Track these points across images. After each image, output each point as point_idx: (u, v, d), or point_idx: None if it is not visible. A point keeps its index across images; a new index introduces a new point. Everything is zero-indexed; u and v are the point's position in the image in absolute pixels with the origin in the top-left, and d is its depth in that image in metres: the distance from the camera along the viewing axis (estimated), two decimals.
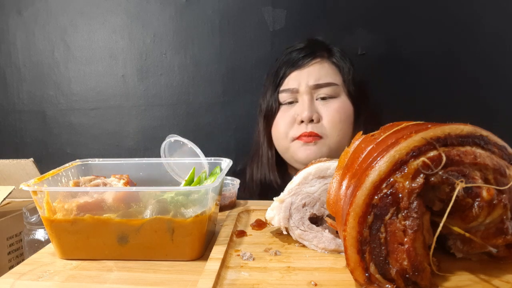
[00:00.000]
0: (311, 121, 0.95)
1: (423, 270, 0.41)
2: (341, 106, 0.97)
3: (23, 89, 1.41)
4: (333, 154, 0.95)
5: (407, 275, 0.41)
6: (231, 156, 0.72)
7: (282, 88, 1.00)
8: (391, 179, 0.41)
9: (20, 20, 1.38)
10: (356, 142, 0.52)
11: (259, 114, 1.07)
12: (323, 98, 0.97)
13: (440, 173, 0.41)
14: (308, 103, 0.96)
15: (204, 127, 1.34)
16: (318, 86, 0.96)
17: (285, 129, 0.99)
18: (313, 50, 1.01)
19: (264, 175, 1.05)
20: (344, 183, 0.47)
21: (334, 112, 0.96)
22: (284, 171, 1.06)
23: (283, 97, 1.00)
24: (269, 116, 1.02)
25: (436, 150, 0.41)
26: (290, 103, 0.99)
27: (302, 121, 0.95)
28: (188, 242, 0.55)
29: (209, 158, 0.71)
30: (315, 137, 0.94)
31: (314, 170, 0.58)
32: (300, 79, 0.98)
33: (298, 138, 0.96)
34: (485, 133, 0.44)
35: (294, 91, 0.98)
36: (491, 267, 0.47)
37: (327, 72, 0.99)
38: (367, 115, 1.01)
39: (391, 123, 0.52)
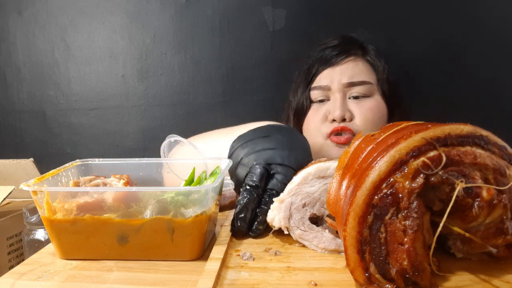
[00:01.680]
0: (343, 120, 0.93)
1: (423, 270, 0.41)
2: (375, 106, 0.96)
3: (23, 89, 1.41)
4: None
5: (407, 275, 0.41)
6: None
7: (313, 85, 0.98)
8: (391, 179, 0.41)
9: (20, 20, 1.38)
10: (356, 142, 0.52)
11: (289, 111, 1.05)
12: (355, 97, 0.95)
13: (440, 173, 0.41)
14: (341, 102, 0.94)
15: (204, 127, 1.34)
16: (351, 84, 0.95)
17: (317, 127, 0.97)
18: (347, 48, 0.99)
19: None
20: (344, 183, 0.47)
21: (368, 111, 0.94)
22: None
23: (314, 94, 0.98)
24: (300, 114, 1.01)
25: (436, 150, 0.41)
26: (322, 101, 0.98)
27: (333, 120, 0.94)
28: (188, 242, 0.55)
29: (209, 158, 0.71)
30: (348, 135, 0.92)
31: (314, 170, 0.58)
32: (332, 77, 0.96)
33: (330, 134, 0.94)
34: (485, 133, 0.44)
35: (326, 89, 0.96)
36: (491, 267, 0.47)
37: (361, 70, 0.97)
38: (400, 115, 0.99)
39: (391, 123, 0.52)
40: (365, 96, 0.96)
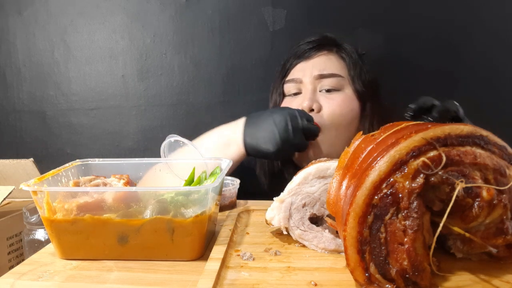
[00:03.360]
0: (311, 110, 0.94)
1: (423, 270, 0.41)
2: (344, 100, 0.96)
3: (23, 89, 1.41)
4: (331, 150, 0.95)
5: (407, 275, 0.41)
6: None
7: (287, 78, 1.00)
8: (391, 179, 0.41)
9: (20, 20, 1.38)
10: (356, 142, 0.52)
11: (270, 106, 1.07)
12: (327, 91, 0.96)
13: (440, 173, 0.41)
14: (310, 93, 0.95)
15: (204, 127, 1.34)
16: (321, 76, 0.96)
17: None
18: (321, 44, 1.00)
19: (272, 166, 1.04)
20: (344, 183, 0.47)
21: (336, 105, 0.95)
22: (293, 163, 1.05)
23: (288, 87, 1.00)
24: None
25: (436, 150, 0.41)
26: (295, 94, 0.99)
27: None
28: (188, 242, 0.55)
29: (209, 158, 0.71)
30: None
31: (314, 170, 0.58)
32: (305, 70, 0.97)
33: None
34: (485, 133, 0.44)
35: (298, 82, 0.97)
36: (491, 267, 0.47)
37: (333, 64, 0.98)
38: (375, 113, 1.00)
39: (391, 123, 0.52)
40: (336, 90, 0.96)
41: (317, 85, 0.97)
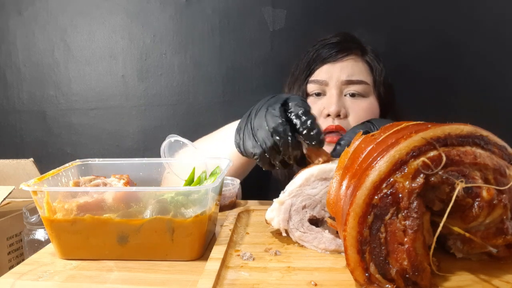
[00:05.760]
0: (338, 116, 0.94)
1: (423, 270, 0.41)
2: (369, 107, 0.97)
3: (23, 89, 1.41)
4: None
5: (407, 275, 0.41)
6: None
7: (311, 78, 0.99)
8: (391, 179, 0.41)
9: (20, 20, 1.38)
10: (356, 142, 0.52)
11: None
12: (352, 95, 0.96)
13: (440, 173, 0.41)
14: (337, 98, 0.95)
15: (204, 127, 1.34)
16: (349, 82, 0.96)
17: None
18: (348, 46, 1.00)
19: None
20: (344, 183, 0.47)
21: (362, 111, 0.95)
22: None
23: (311, 87, 0.99)
24: None
25: (436, 150, 0.41)
26: (318, 95, 0.98)
27: (328, 115, 0.94)
28: (188, 242, 0.55)
29: (209, 158, 0.71)
30: (338, 133, 0.92)
31: (317, 171, 0.57)
32: (332, 72, 0.97)
33: (324, 132, 0.93)
34: (485, 133, 0.44)
35: (324, 84, 0.97)
36: (491, 267, 0.47)
37: (361, 70, 0.98)
38: (393, 119, 1.00)
39: (391, 123, 0.52)
40: (361, 95, 0.97)
41: (343, 90, 0.96)
